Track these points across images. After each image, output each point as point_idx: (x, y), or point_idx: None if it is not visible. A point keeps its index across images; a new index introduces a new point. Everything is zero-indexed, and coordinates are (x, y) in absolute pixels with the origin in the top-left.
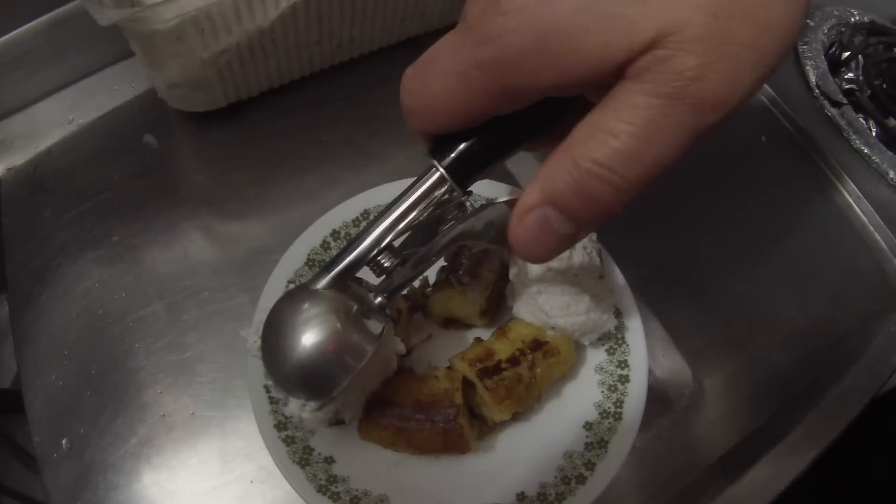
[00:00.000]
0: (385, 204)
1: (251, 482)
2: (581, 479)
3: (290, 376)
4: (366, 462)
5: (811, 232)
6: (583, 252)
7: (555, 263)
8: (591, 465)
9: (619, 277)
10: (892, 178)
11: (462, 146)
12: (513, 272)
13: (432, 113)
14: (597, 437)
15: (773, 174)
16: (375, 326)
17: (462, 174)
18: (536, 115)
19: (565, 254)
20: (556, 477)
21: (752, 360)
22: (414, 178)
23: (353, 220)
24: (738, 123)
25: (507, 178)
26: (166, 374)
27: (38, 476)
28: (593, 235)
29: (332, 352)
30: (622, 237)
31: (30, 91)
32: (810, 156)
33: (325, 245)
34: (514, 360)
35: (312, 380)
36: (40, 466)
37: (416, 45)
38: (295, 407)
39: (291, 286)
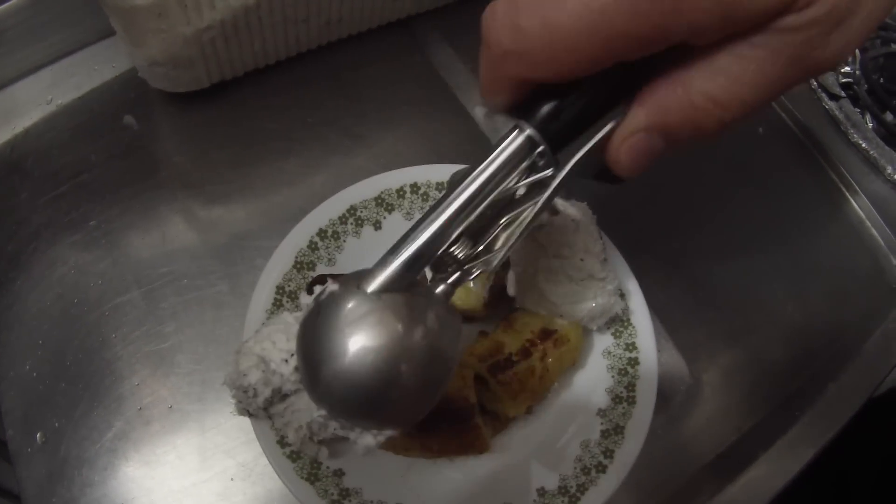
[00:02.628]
0: (373, 198)
1: (231, 479)
2: (601, 468)
3: (362, 406)
4: (377, 471)
5: (808, 226)
6: (586, 234)
7: (559, 249)
8: (609, 453)
9: (619, 259)
10: (889, 174)
11: (556, 103)
12: (514, 263)
13: (553, 54)
14: (612, 424)
15: (770, 167)
16: (451, 326)
17: (557, 139)
18: (632, 72)
19: (570, 237)
20: (575, 468)
21: (749, 355)
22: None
23: (340, 218)
24: None
25: None
26: (143, 364)
27: (8, 462)
28: (593, 216)
29: (418, 368)
30: (616, 229)
31: (7, 71)
32: (808, 149)
33: (312, 246)
34: (525, 352)
35: (398, 405)
36: (14, 460)
37: (406, 27)
38: (367, 438)
39: (280, 292)
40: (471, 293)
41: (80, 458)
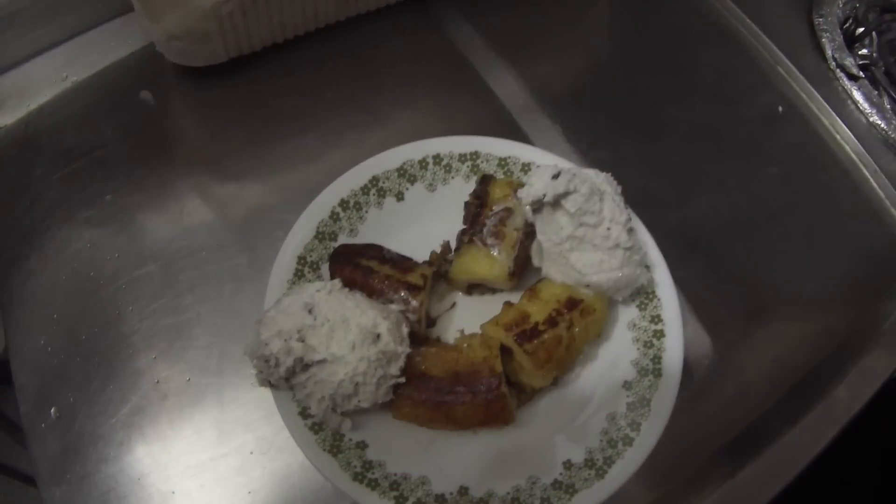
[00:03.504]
0: (395, 169)
1: (251, 453)
2: (628, 441)
3: None
4: (400, 444)
5: (827, 206)
6: (612, 203)
7: (585, 218)
8: (636, 426)
9: (643, 231)
10: None
11: None
12: (540, 231)
13: None
14: (638, 396)
15: (788, 145)
16: None
17: None
18: None
19: (596, 205)
20: (601, 441)
21: (771, 332)
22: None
23: (362, 189)
24: (756, 93)
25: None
26: (160, 338)
27: (26, 449)
28: (618, 186)
29: None
30: (636, 205)
31: (22, 49)
32: (826, 129)
33: (334, 216)
34: (551, 322)
35: None
36: (27, 437)
37: (422, 3)
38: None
39: (302, 263)
40: (495, 263)
41: (94, 433)
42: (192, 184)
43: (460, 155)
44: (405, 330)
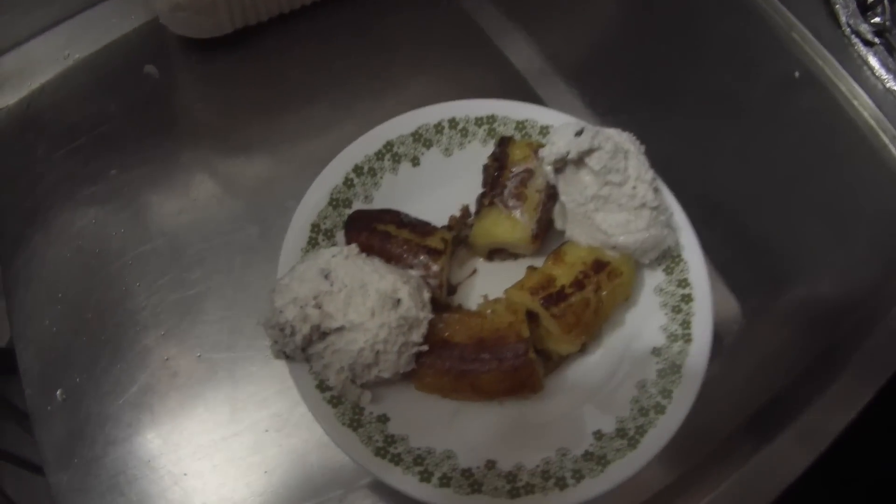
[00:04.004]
0: (410, 134)
1: (265, 431)
2: (660, 409)
3: None
4: (423, 416)
5: (848, 172)
6: (637, 160)
7: (611, 176)
8: (667, 393)
9: (667, 192)
10: None
11: None
12: (563, 192)
13: None
14: (668, 363)
15: (805, 110)
16: None
17: None
18: None
19: (621, 162)
20: (632, 409)
21: (797, 298)
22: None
23: (377, 154)
24: (771, 58)
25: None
26: (169, 313)
27: (31, 435)
28: (641, 146)
29: None
30: (658, 172)
31: (23, 29)
32: (843, 93)
33: (348, 182)
34: (578, 284)
35: None
36: (32, 421)
37: None
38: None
39: (316, 230)
40: (518, 225)
41: (102, 414)
42: (199, 157)
43: (477, 118)
44: (426, 295)
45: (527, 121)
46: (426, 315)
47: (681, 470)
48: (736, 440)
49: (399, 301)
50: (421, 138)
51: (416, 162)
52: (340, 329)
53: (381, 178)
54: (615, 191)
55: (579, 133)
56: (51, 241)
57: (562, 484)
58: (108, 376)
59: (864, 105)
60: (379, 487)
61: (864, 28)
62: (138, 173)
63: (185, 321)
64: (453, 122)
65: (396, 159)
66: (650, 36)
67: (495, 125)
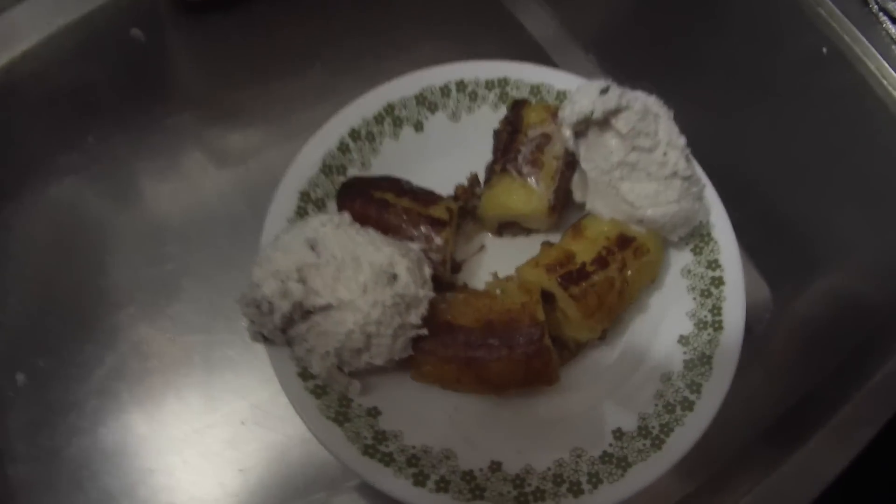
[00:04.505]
0: (413, 96)
1: (242, 423)
2: (687, 405)
3: None
4: (420, 410)
5: (877, 153)
6: (668, 122)
7: (639, 140)
8: (696, 387)
9: (695, 164)
10: None
11: None
12: (585, 159)
13: None
14: (697, 353)
15: (834, 87)
16: None
17: None
18: None
19: (651, 125)
20: (656, 405)
21: (830, 284)
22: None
23: (376, 117)
24: (798, 34)
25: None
26: (143, 290)
27: None
28: (669, 111)
29: None
30: None
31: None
32: (871, 72)
33: (343, 147)
34: (601, 262)
35: None
36: None
37: None
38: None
39: (305, 199)
40: (533, 195)
41: (65, 401)
42: (185, 124)
43: (487, 81)
44: (427, 271)
45: (542, 84)
46: (426, 293)
47: (701, 478)
48: (763, 444)
49: (395, 276)
50: (425, 101)
51: (419, 127)
52: (327, 307)
53: (381, 143)
54: (644, 157)
55: (605, 91)
56: (22, 213)
57: (576, 490)
58: (74, 360)
59: (893, 84)
60: (367, 490)
61: (892, 6)
62: (119, 140)
63: (160, 299)
64: (461, 85)
65: (398, 123)
66: (673, 6)
67: (507, 88)
